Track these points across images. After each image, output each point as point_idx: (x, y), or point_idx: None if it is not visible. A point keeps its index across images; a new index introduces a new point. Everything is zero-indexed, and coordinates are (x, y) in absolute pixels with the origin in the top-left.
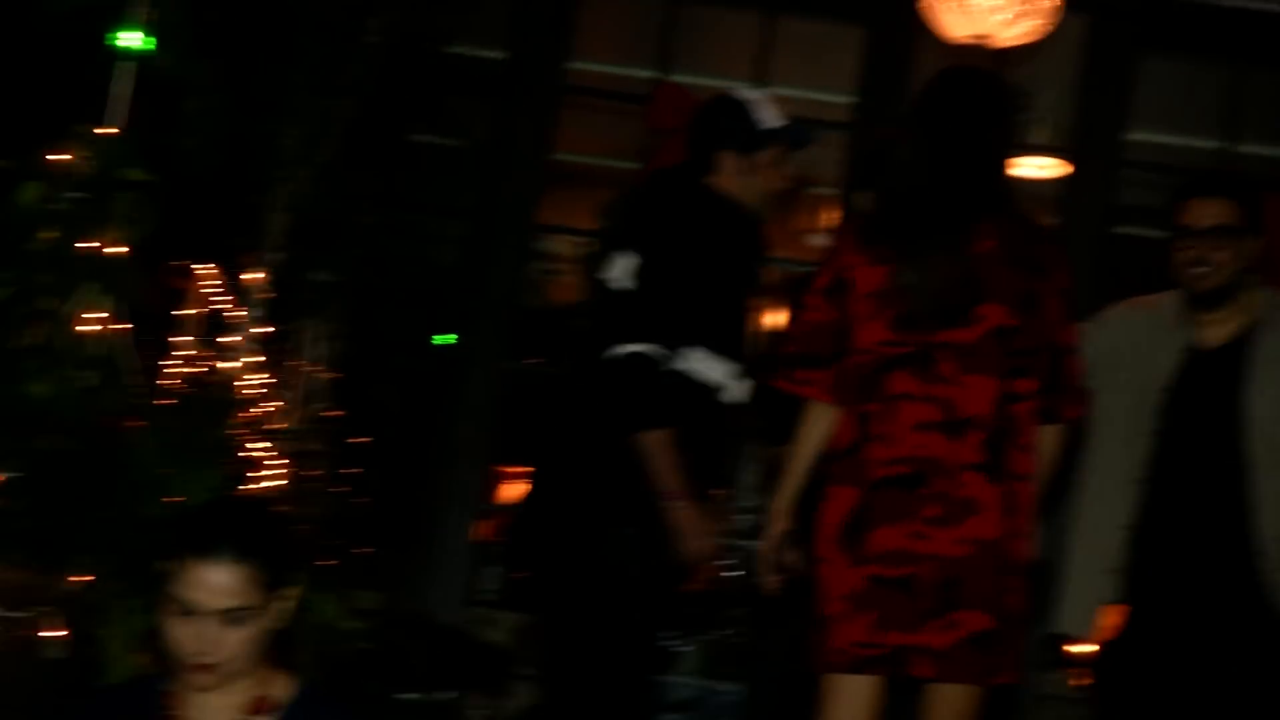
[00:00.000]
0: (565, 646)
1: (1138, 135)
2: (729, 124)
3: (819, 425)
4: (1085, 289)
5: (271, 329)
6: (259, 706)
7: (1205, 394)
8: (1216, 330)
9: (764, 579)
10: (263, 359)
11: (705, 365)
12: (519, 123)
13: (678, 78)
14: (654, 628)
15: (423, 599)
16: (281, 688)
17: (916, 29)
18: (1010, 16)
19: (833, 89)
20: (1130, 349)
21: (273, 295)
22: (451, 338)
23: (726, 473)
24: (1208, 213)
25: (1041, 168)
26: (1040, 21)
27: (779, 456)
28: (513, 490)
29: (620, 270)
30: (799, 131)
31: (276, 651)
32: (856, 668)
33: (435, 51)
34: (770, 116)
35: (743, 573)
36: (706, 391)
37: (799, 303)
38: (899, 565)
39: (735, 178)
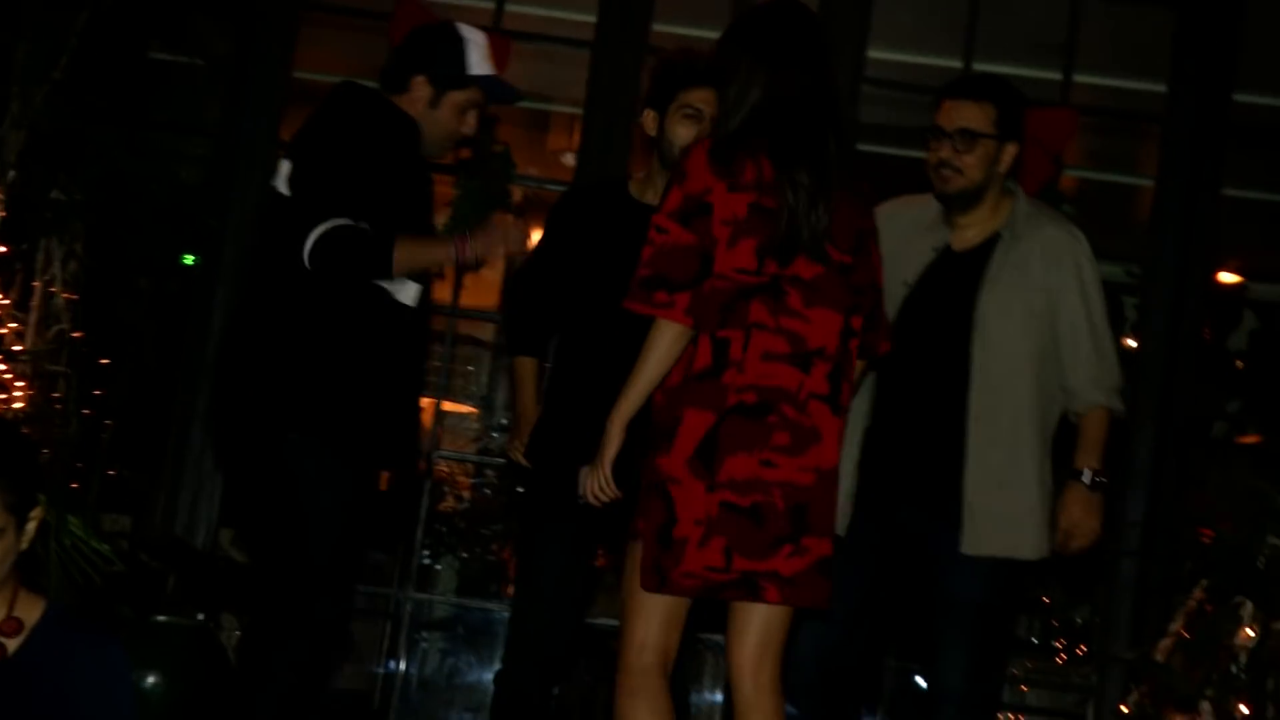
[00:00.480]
0: (261, 560)
1: (877, 54)
2: (437, 54)
3: (672, 348)
4: None
5: (6, 249)
6: (7, 628)
7: (944, 295)
8: (967, 234)
9: (593, 493)
10: None
11: None
12: (259, 40)
13: None
14: (345, 533)
15: (172, 521)
16: (30, 609)
17: None
18: None
19: (576, 7)
20: (889, 245)
21: (7, 215)
22: (192, 258)
23: (414, 376)
24: (959, 115)
25: None
26: None
27: (515, 366)
28: None
29: (281, 177)
30: (502, 88)
31: (24, 573)
32: (707, 591)
33: None
34: (480, 62)
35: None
36: (371, 292)
37: (654, 226)
38: (749, 493)
39: (421, 106)
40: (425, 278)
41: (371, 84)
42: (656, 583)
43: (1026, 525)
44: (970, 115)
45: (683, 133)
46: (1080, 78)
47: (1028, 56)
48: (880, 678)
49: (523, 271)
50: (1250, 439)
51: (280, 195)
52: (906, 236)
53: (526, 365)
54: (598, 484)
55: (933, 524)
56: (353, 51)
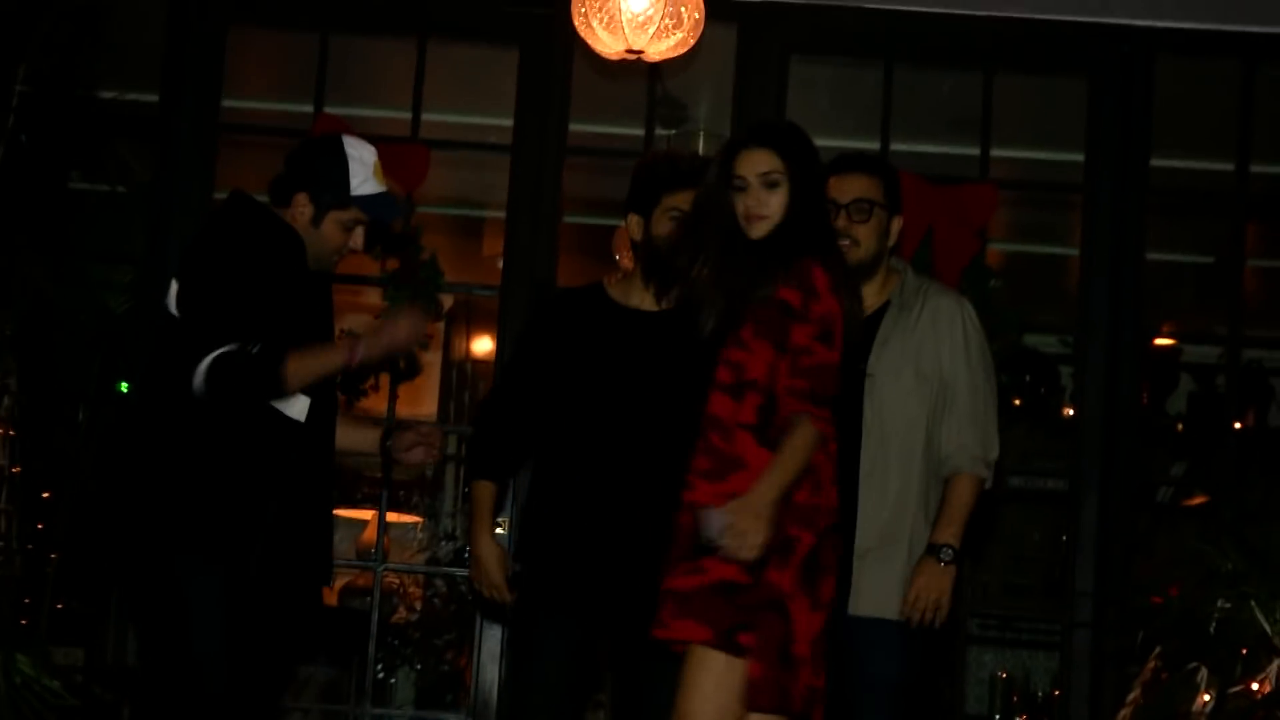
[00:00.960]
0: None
1: None
2: (319, 172)
3: (812, 451)
4: None
5: None
6: None
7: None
8: (867, 302)
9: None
10: None
11: None
12: (179, 164)
13: (337, 110)
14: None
15: (124, 651)
16: None
17: (571, 48)
18: (656, 31)
19: (494, 112)
20: None
21: None
22: (127, 385)
23: (313, 491)
24: (851, 187)
25: None
26: (686, 34)
27: (474, 491)
28: None
29: (171, 296)
30: (386, 207)
31: None
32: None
33: (89, 97)
34: (364, 181)
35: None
36: (259, 409)
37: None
38: None
39: (303, 222)
40: (321, 392)
41: None
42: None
43: (897, 587)
44: (862, 187)
45: (669, 233)
46: (998, 152)
47: (945, 133)
48: None
49: (498, 389)
50: (1196, 500)
51: (169, 315)
52: None
53: (485, 491)
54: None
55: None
56: (274, 169)
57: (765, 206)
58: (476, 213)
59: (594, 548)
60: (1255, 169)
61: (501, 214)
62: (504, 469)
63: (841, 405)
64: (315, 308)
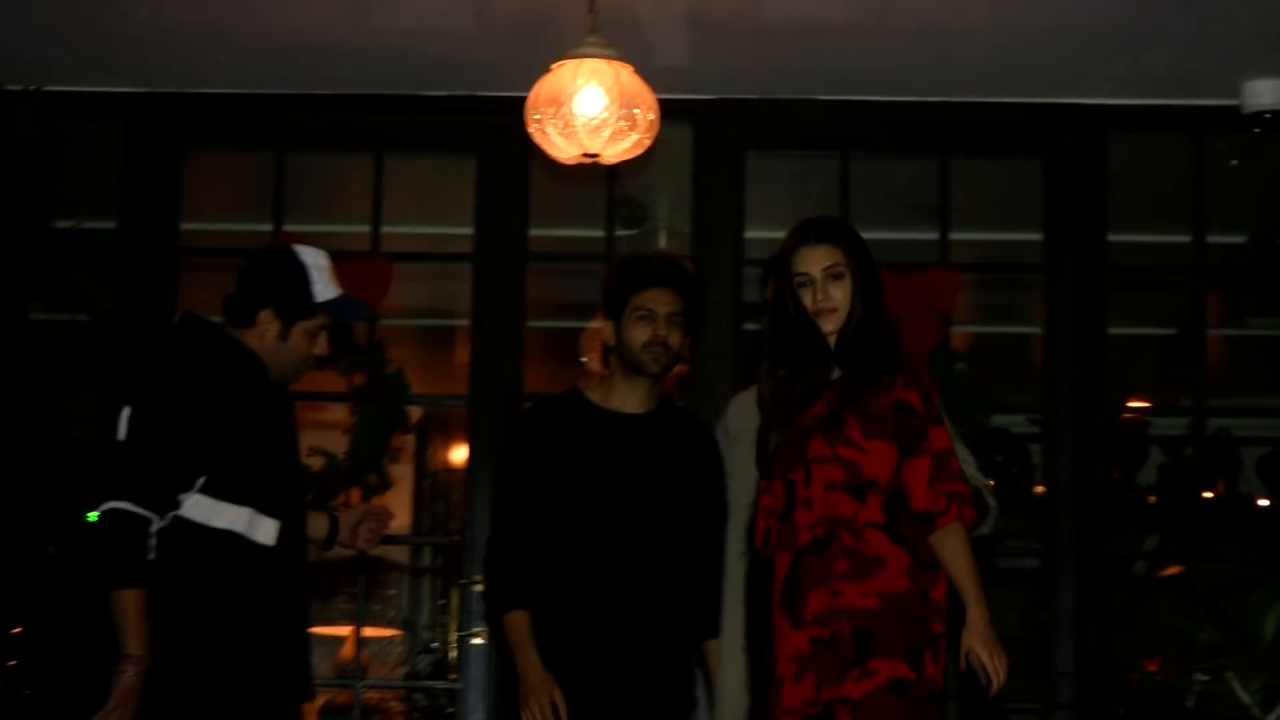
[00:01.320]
0: None
1: (755, 233)
2: (279, 285)
3: None
4: (723, 385)
5: None
6: None
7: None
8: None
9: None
10: None
11: (210, 512)
12: (139, 291)
13: (295, 227)
14: None
15: None
16: None
17: (527, 155)
18: (611, 134)
19: (454, 221)
20: (737, 436)
21: None
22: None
23: (288, 616)
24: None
25: None
26: (642, 136)
27: (509, 625)
28: None
29: (121, 423)
30: (350, 308)
31: None
32: None
33: (46, 227)
34: (325, 287)
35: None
36: (224, 538)
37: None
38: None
39: (270, 339)
40: (290, 512)
41: None
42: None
43: None
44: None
45: (639, 334)
46: (958, 235)
47: (904, 220)
48: None
49: (502, 516)
50: (1171, 571)
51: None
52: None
53: (523, 620)
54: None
55: None
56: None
57: (833, 299)
58: (446, 322)
59: (610, 659)
60: (1211, 239)
61: (468, 322)
62: (530, 593)
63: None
64: (274, 431)
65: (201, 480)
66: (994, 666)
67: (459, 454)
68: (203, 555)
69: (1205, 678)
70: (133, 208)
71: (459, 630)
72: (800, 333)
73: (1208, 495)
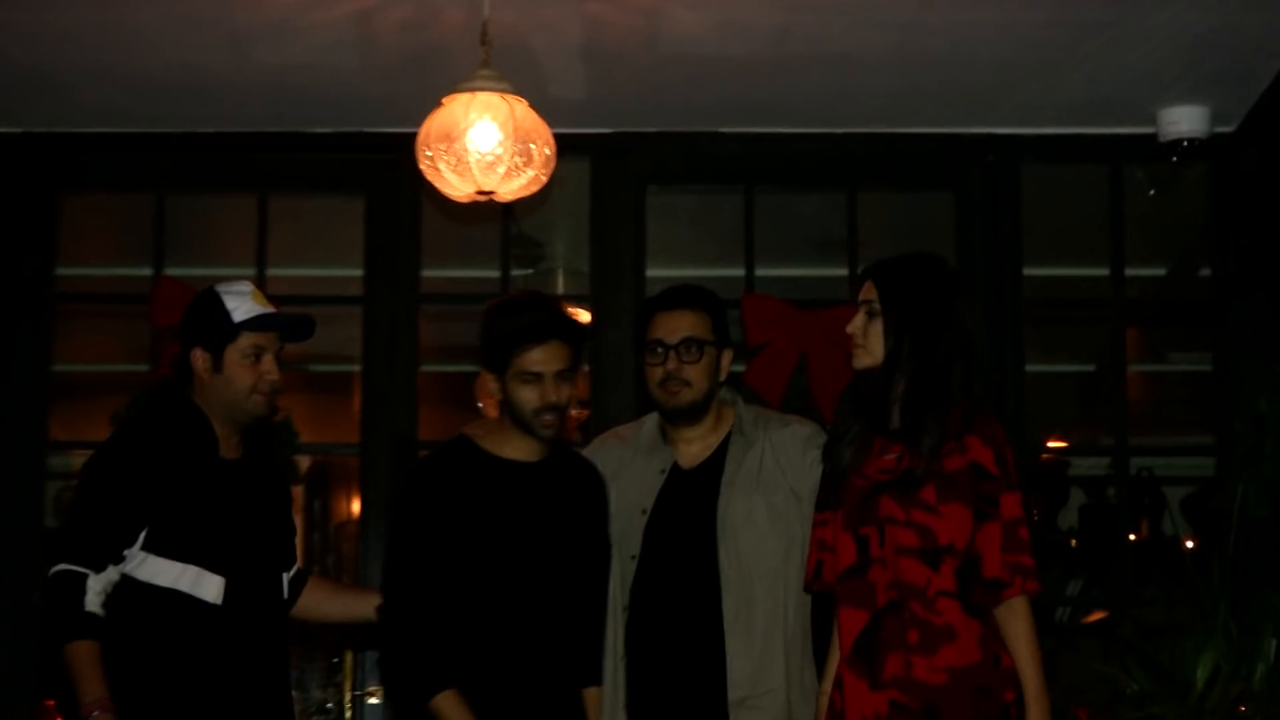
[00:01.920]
0: None
1: (656, 271)
2: (199, 319)
3: None
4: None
5: None
6: None
7: (683, 514)
8: (692, 449)
9: None
10: None
11: (154, 569)
12: (14, 337)
13: (177, 271)
14: None
15: None
16: None
17: (418, 193)
18: (506, 170)
19: (343, 263)
20: (612, 478)
21: None
22: None
23: (241, 676)
24: (679, 325)
25: None
26: (538, 171)
27: (440, 710)
28: None
29: None
30: (278, 321)
31: None
32: None
33: None
34: (247, 307)
35: None
36: (168, 596)
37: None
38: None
39: (206, 377)
40: (243, 570)
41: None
42: None
43: None
44: (690, 324)
45: (527, 399)
46: None
47: (811, 255)
48: None
49: (403, 585)
50: (1095, 617)
51: None
52: (628, 468)
53: (453, 703)
54: None
55: None
56: (116, 337)
57: (862, 335)
58: (338, 368)
59: (521, 710)
60: (1130, 272)
61: (347, 369)
62: (455, 669)
63: (695, 561)
64: (219, 486)
65: (143, 536)
66: None
67: (353, 505)
68: (147, 613)
69: None
70: (6, 252)
71: (354, 690)
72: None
73: (1132, 537)
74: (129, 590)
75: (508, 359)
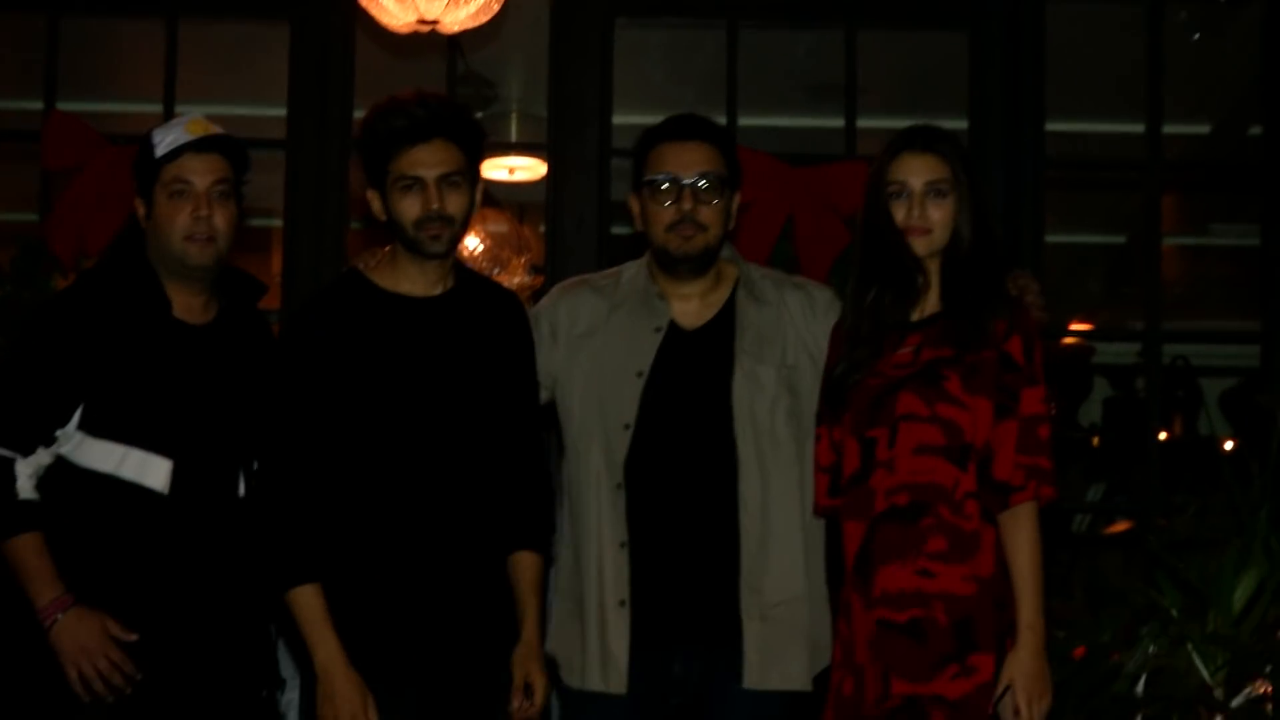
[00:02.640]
0: None
1: (623, 118)
2: (136, 165)
3: None
4: None
5: None
6: None
7: (688, 381)
8: (690, 305)
9: None
10: None
11: (90, 452)
12: None
13: (71, 105)
14: None
15: None
16: None
17: (352, 21)
18: None
19: (264, 100)
20: (586, 333)
21: None
22: None
23: (169, 566)
24: (692, 158)
25: (516, 170)
26: None
27: (297, 605)
28: None
29: None
30: (189, 145)
31: None
32: None
33: None
34: (170, 138)
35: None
36: (109, 484)
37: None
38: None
39: (145, 224)
40: (195, 455)
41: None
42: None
43: (804, 650)
44: (707, 157)
45: (408, 208)
46: (867, 122)
47: (802, 104)
48: None
49: (279, 456)
50: (1119, 528)
51: None
52: (608, 322)
53: (312, 599)
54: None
55: (712, 668)
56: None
57: (928, 219)
58: (258, 221)
59: (423, 596)
60: (1169, 130)
61: (269, 222)
62: (323, 557)
63: (705, 436)
64: (163, 353)
65: (78, 415)
66: (1028, 716)
67: None
68: (84, 502)
69: (1158, 652)
70: None
71: None
72: (889, 252)
73: (1162, 436)
74: (63, 475)
75: (385, 166)
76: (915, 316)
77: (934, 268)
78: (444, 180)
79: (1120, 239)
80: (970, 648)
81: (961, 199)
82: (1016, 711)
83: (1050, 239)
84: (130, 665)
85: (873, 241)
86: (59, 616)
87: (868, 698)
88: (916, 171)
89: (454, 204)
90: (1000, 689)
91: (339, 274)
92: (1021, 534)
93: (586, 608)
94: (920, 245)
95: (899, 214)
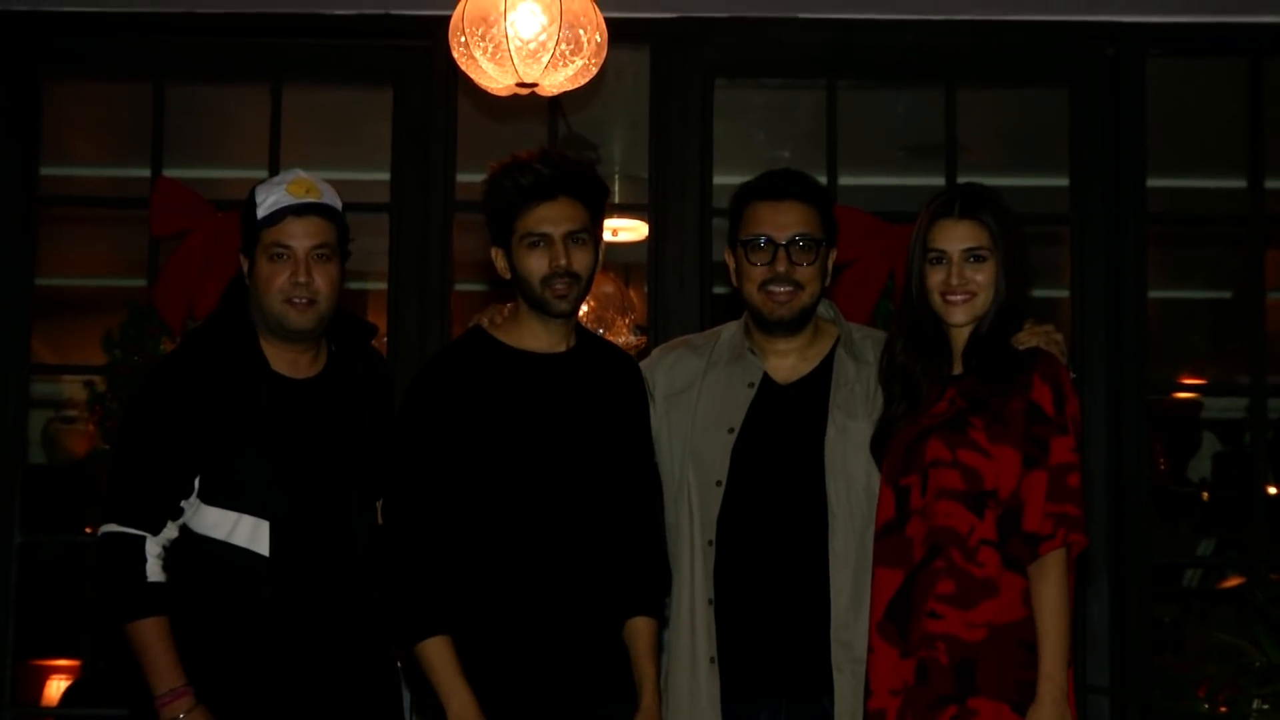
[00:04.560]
0: None
1: (724, 178)
2: (241, 218)
3: None
4: None
5: None
6: None
7: (780, 436)
8: (787, 362)
9: None
10: None
11: (205, 519)
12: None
13: (177, 172)
14: None
15: None
16: None
17: (453, 85)
18: (551, 59)
19: (367, 165)
20: (682, 390)
21: None
22: None
23: (271, 637)
24: (789, 218)
25: (619, 231)
26: (587, 61)
27: (427, 657)
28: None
29: None
30: (289, 209)
31: None
32: None
33: None
34: (272, 198)
35: None
36: (235, 553)
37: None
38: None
39: (250, 283)
40: (295, 515)
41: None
42: None
43: None
44: (803, 217)
45: (535, 265)
46: (966, 179)
47: (902, 163)
48: None
49: (409, 512)
50: (1232, 583)
51: None
52: (704, 379)
53: (444, 650)
54: None
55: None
56: (106, 243)
57: (970, 283)
58: (357, 285)
59: (548, 651)
60: (1271, 185)
61: (385, 285)
62: (454, 610)
63: (797, 490)
64: (260, 414)
65: (197, 482)
66: None
67: None
68: (205, 572)
69: (1265, 706)
70: None
71: None
72: (922, 318)
73: (1271, 490)
74: (187, 545)
75: (511, 224)
76: (957, 370)
77: (961, 333)
78: (570, 237)
79: (1225, 294)
80: (970, 691)
81: (1000, 262)
82: None
83: (1154, 294)
84: None
85: (907, 304)
86: (175, 705)
87: None
88: (956, 239)
89: (580, 261)
90: None
91: (463, 332)
92: (1045, 584)
93: (679, 664)
94: (960, 313)
95: (937, 277)
